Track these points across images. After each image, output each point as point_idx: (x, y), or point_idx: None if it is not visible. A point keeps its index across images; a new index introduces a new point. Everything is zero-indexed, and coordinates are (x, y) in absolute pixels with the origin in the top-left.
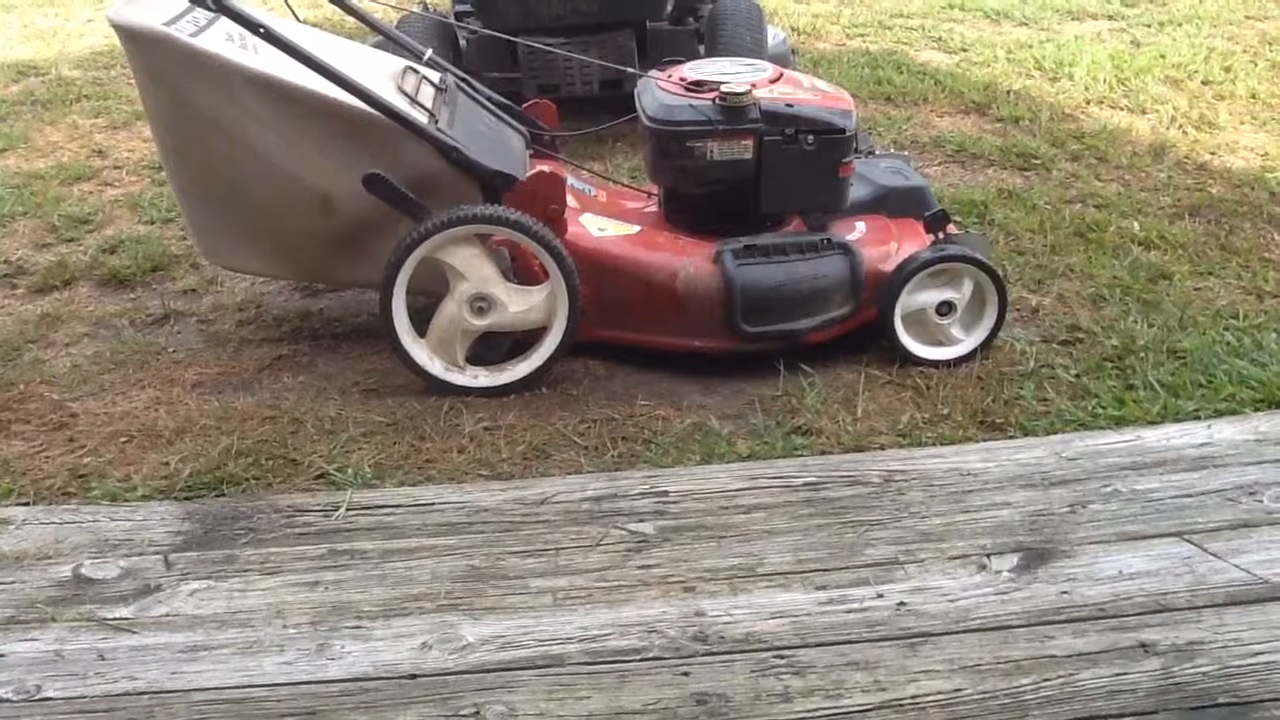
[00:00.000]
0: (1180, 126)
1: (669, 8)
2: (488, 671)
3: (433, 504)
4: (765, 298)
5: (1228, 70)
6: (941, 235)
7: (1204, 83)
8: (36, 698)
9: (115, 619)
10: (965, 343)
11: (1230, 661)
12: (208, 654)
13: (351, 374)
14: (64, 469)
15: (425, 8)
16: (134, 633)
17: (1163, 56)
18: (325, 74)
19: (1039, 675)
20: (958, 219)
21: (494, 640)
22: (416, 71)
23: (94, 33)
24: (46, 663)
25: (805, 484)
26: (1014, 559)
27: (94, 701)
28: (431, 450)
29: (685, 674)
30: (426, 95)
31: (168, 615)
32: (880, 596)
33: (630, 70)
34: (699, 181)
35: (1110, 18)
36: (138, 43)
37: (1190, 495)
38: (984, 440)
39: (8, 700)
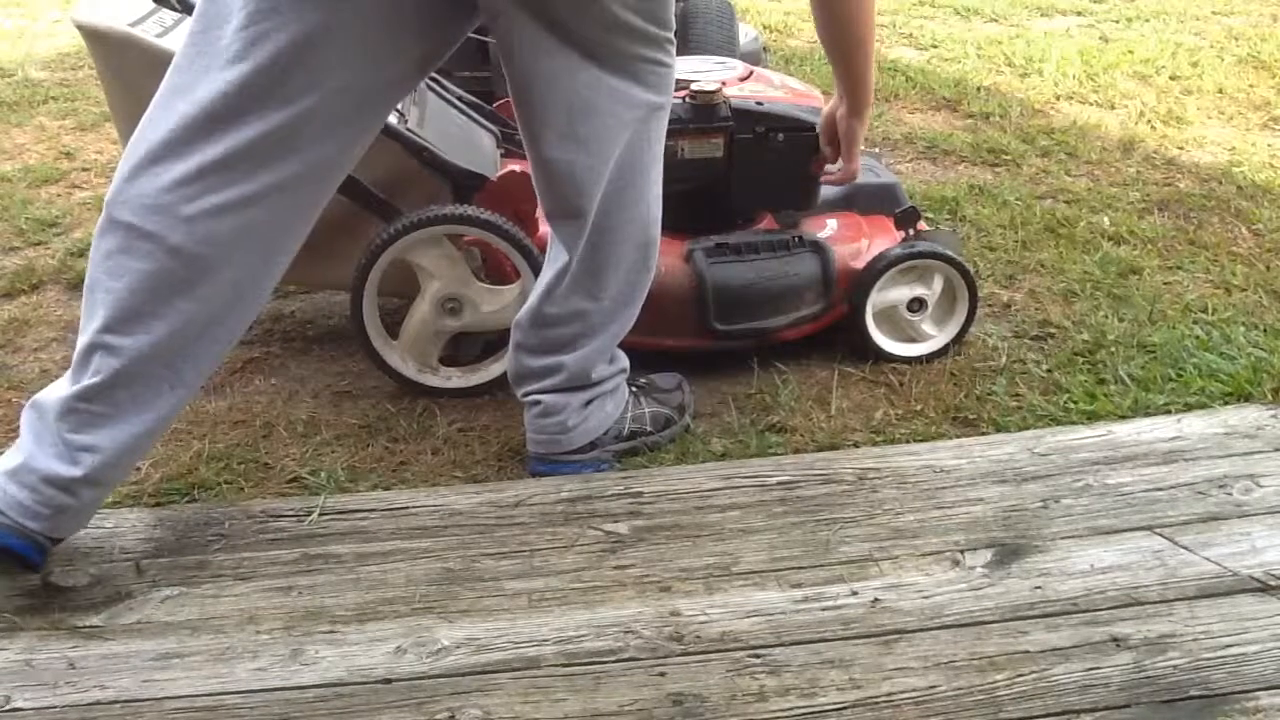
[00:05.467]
0: (1149, 121)
1: None
2: (463, 675)
3: (406, 507)
4: (737, 296)
5: (1195, 65)
6: (912, 232)
7: (1172, 78)
8: (6, 709)
9: (86, 626)
10: (937, 339)
11: (1201, 654)
12: (180, 661)
13: (324, 376)
14: None
15: None
16: (105, 640)
17: (1131, 52)
18: None
19: (1012, 671)
20: (929, 215)
21: (469, 643)
22: None
23: (60, 34)
24: (15, 672)
25: (779, 483)
26: (987, 555)
27: (65, 712)
28: (405, 452)
29: (661, 674)
30: None
31: (139, 623)
32: (855, 594)
33: None
34: (670, 180)
35: (1079, 13)
36: (103, 44)
37: (1161, 489)
38: (957, 436)
39: None
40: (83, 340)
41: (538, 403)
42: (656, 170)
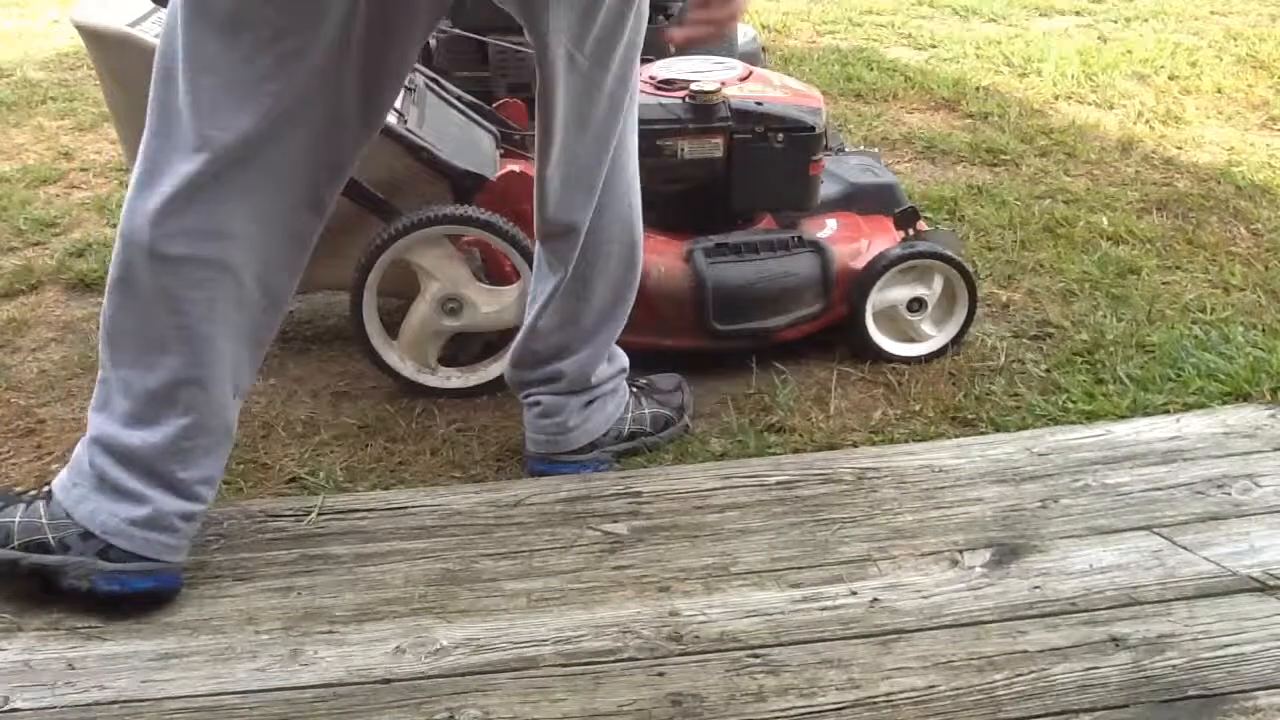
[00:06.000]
0: (1147, 121)
1: None
2: (461, 675)
3: (405, 507)
4: (737, 296)
5: (1193, 65)
6: (911, 232)
7: (1170, 78)
8: (5, 709)
9: (85, 627)
10: (936, 339)
11: (1200, 654)
12: (179, 662)
13: (322, 377)
14: (31, 476)
15: None
16: (104, 640)
17: (1129, 52)
18: None
19: (1011, 670)
20: (928, 215)
21: (468, 643)
22: None
23: (59, 34)
24: (14, 673)
25: (778, 482)
26: (986, 554)
27: (64, 712)
28: (404, 453)
29: (660, 674)
30: None
31: (138, 623)
32: (854, 594)
33: None
34: (669, 180)
35: (1078, 13)
36: (101, 44)
37: (1160, 489)
38: (956, 436)
39: None
40: (157, 379)
41: (538, 403)
42: (634, 162)
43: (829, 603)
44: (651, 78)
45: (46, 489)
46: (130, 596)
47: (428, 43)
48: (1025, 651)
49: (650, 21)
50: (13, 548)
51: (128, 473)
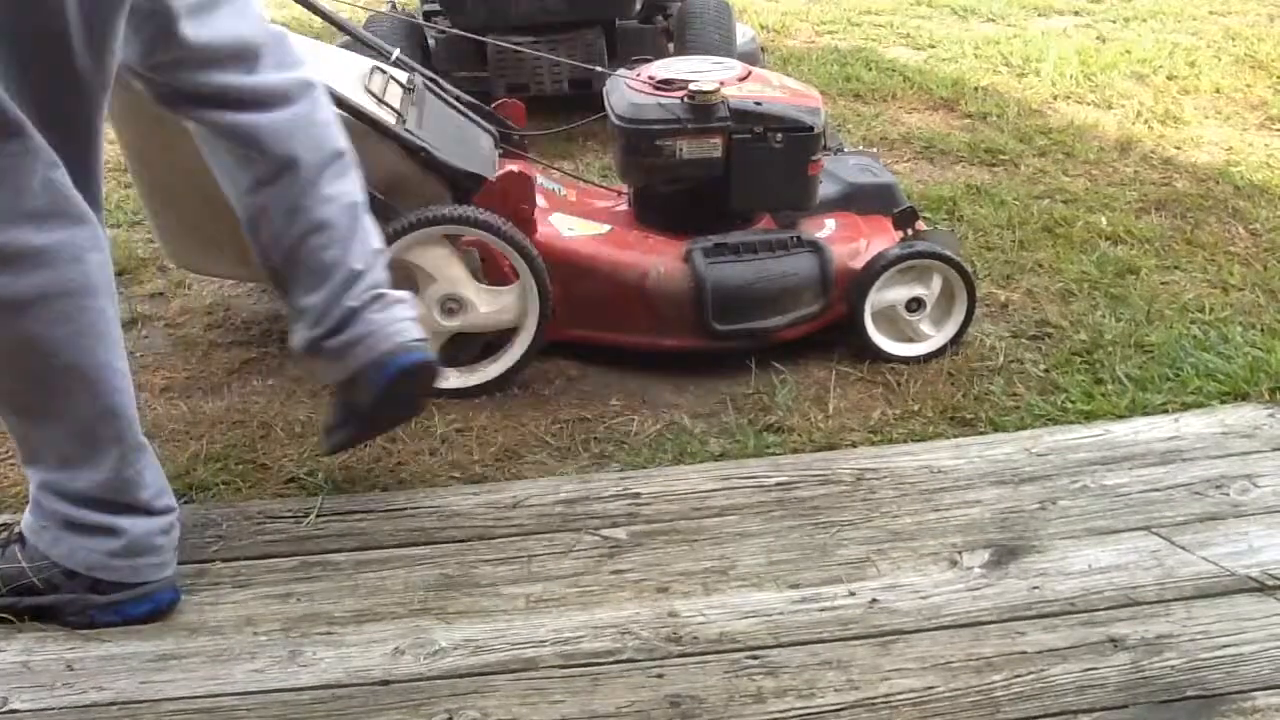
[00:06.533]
0: (1146, 121)
1: (638, 6)
2: (460, 676)
3: (404, 508)
4: (736, 296)
5: (1192, 65)
6: (910, 232)
7: (1169, 78)
8: (3, 710)
9: (84, 630)
10: (935, 339)
11: (1198, 655)
12: (178, 663)
13: None
14: None
15: (393, 7)
16: (102, 641)
17: (1128, 52)
18: None
19: (1010, 671)
20: (926, 215)
21: (466, 645)
22: (384, 72)
23: None
24: (13, 674)
25: (777, 484)
26: (985, 555)
27: (63, 713)
28: (403, 453)
29: (659, 676)
30: (394, 95)
31: (136, 626)
32: (852, 594)
33: (599, 69)
34: (668, 180)
35: (1076, 13)
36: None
37: (1158, 489)
38: (955, 436)
39: None
40: (75, 423)
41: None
42: None
43: (828, 604)
44: (650, 78)
45: (17, 532)
46: (131, 622)
47: (426, 43)
48: (1024, 652)
49: (649, 22)
50: None
51: (89, 510)
